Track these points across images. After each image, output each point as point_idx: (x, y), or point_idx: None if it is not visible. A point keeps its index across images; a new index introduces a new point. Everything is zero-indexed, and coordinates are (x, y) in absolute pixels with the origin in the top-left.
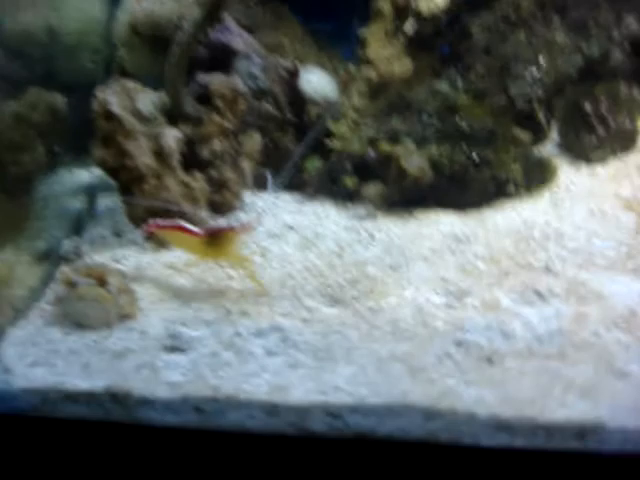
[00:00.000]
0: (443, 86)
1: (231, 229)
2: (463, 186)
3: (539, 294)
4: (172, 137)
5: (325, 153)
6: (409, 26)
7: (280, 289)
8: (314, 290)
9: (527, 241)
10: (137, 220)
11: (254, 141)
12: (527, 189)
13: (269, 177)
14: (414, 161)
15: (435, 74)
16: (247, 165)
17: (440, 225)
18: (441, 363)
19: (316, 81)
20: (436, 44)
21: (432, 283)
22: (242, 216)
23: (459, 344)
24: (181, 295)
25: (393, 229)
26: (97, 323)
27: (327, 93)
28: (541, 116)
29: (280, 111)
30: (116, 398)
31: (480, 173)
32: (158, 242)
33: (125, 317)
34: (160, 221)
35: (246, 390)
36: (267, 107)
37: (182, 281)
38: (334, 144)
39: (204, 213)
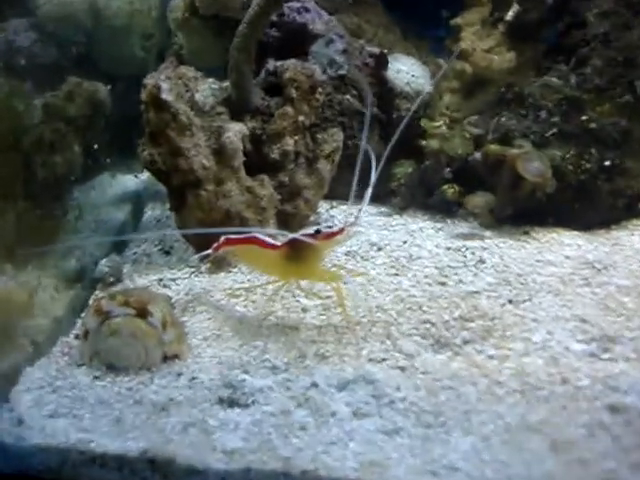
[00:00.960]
0: (554, 81)
1: (320, 238)
2: (590, 199)
3: None
4: (236, 133)
5: (418, 157)
6: (510, 13)
7: (369, 326)
8: (412, 328)
9: None
10: (191, 238)
11: (334, 140)
12: None
13: (354, 185)
14: (534, 166)
15: (539, 69)
16: (325, 169)
17: (565, 248)
18: (593, 436)
19: (407, 71)
20: (540, 34)
21: (568, 324)
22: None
23: (614, 410)
24: (243, 331)
25: (507, 251)
26: (134, 365)
27: (420, 85)
28: None
29: (365, 105)
30: (155, 465)
31: (611, 184)
32: (216, 263)
33: (171, 358)
34: (231, 236)
35: (327, 464)
36: (350, 100)
37: (245, 312)
38: (430, 145)
39: (272, 228)
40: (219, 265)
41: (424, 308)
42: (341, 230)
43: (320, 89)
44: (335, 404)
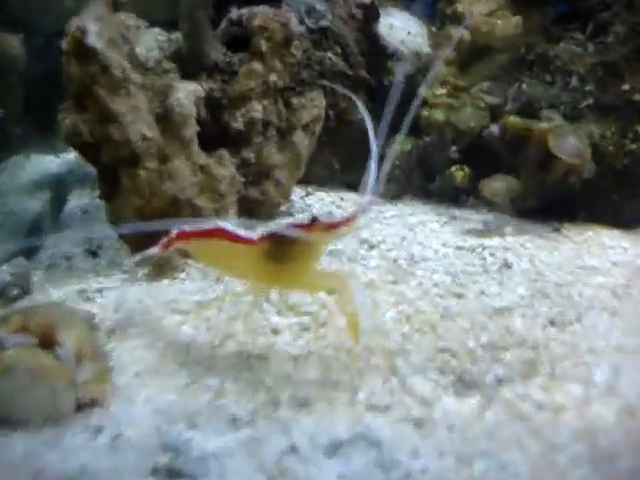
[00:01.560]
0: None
1: (317, 229)
2: (633, 189)
3: None
4: (188, 95)
5: (416, 132)
6: None
7: (367, 355)
8: (425, 360)
9: None
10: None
11: (314, 106)
12: None
13: (373, 173)
14: (569, 143)
15: (549, 37)
16: (302, 143)
17: (608, 251)
18: None
19: (402, 27)
20: None
21: (638, 356)
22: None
23: None
24: (191, 363)
25: (536, 253)
26: (34, 417)
27: (417, 45)
28: None
29: (350, 66)
30: None
31: None
32: (158, 267)
33: (88, 405)
34: (186, 228)
35: None
36: (332, 59)
37: (194, 336)
38: (433, 116)
39: (233, 219)
40: (161, 269)
41: (438, 330)
42: (350, 218)
43: (296, 42)
44: (323, 477)
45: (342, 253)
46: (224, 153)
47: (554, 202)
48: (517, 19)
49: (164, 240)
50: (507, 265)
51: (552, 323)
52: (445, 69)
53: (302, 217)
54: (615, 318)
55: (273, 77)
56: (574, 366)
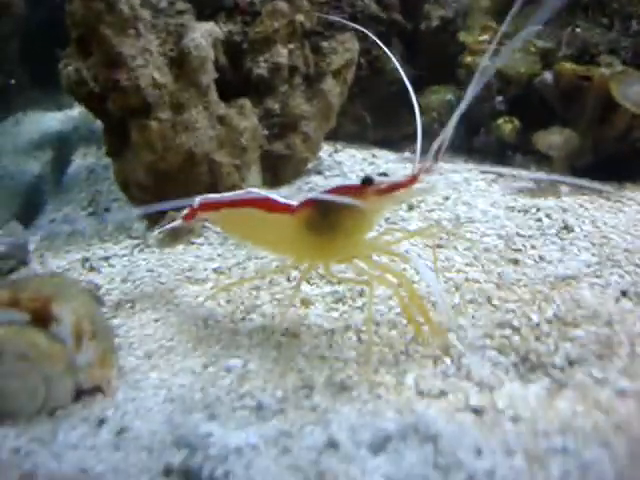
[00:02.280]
0: None
1: (370, 193)
2: None
3: None
4: (204, 36)
5: (458, 81)
6: None
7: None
8: (483, 336)
9: None
10: (137, 194)
11: (346, 50)
12: None
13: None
14: (635, 90)
15: None
16: (333, 91)
17: None
18: None
19: None
20: None
21: None
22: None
23: None
24: (209, 340)
25: (598, 215)
26: (27, 408)
27: None
28: None
29: (384, 8)
30: None
31: None
32: (172, 233)
33: (89, 393)
34: (211, 197)
35: None
36: (365, 1)
37: (213, 309)
38: (474, 62)
39: (254, 175)
40: (176, 234)
41: (495, 301)
42: (410, 180)
43: None
44: None
45: None
46: (246, 102)
47: (614, 159)
48: None
49: (188, 210)
50: (567, 228)
51: (625, 294)
52: (483, 15)
53: (349, 180)
54: None
55: (300, 17)
56: None
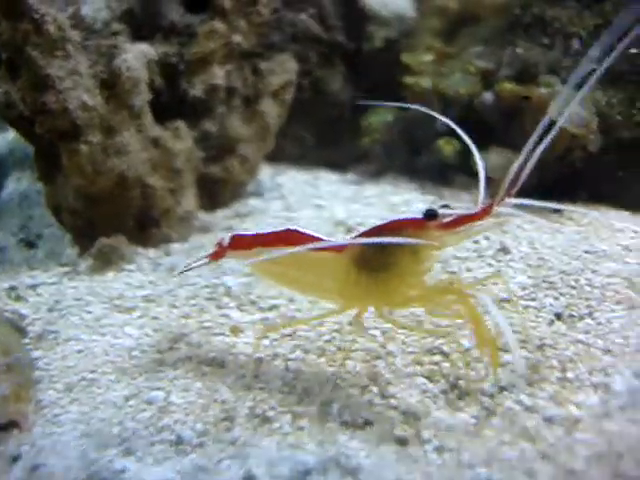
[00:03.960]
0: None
1: (433, 228)
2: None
3: None
4: (137, 57)
5: (399, 101)
6: None
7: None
8: (412, 364)
9: None
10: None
11: (285, 71)
12: None
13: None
14: (573, 112)
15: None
16: (271, 112)
17: (617, 234)
18: None
19: None
20: None
21: None
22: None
23: None
24: (134, 371)
25: (537, 236)
26: None
27: (400, 7)
28: None
29: (326, 29)
30: None
31: None
32: (102, 257)
33: (5, 428)
34: (244, 233)
35: None
36: (306, 21)
37: (140, 337)
38: (419, 84)
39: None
40: (107, 260)
41: (426, 326)
42: (484, 211)
43: (264, 0)
44: None
45: None
46: (181, 125)
47: (555, 180)
48: None
49: (217, 248)
50: (504, 249)
51: (559, 317)
52: (431, 36)
53: (411, 212)
54: (633, 312)
55: (237, 38)
56: (590, 372)
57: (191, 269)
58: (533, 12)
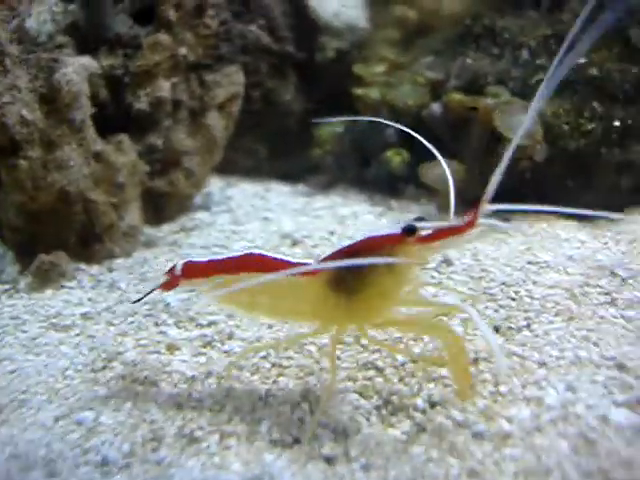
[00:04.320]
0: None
1: (412, 242)
2: (589, 175)
3: None
4: (77, 70)
5: (351, 113)
6: None
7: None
8: (346, 379)
9: None
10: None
11: (231, 83)
12: None
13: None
14: (518, 122)
15: (502, 16)
16: (217, 125)
17: (563, 244)
18: None
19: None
20: None
21: (598, 374)
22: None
23: None
24: (66, 391)
25: (481, 247)
26: None
27: (352, 18)
28: None
29: (276, 40)
30: None
31: (623, 152)
32: (41, 275)
33: None
34: (197, 259)
35: None
36: (255, 32)
37: (74, 356)
38: (368, 95)
39: (134, 213)
40: (46, 278)
41: (363, 341)
42: (468, 224)
43: (211, 12)
44: None
45: (259, 249)
46: (124, 138)
47: (503, 190)
48: None
49: (170, 274)
50: (447, 261)
51: (497, 330)
52: (385, 47)
53: (389, 226)
54: (571, 324)
55: (183, 50)
56: (523, 385)
57: (142, 299)
58: (484, 23)
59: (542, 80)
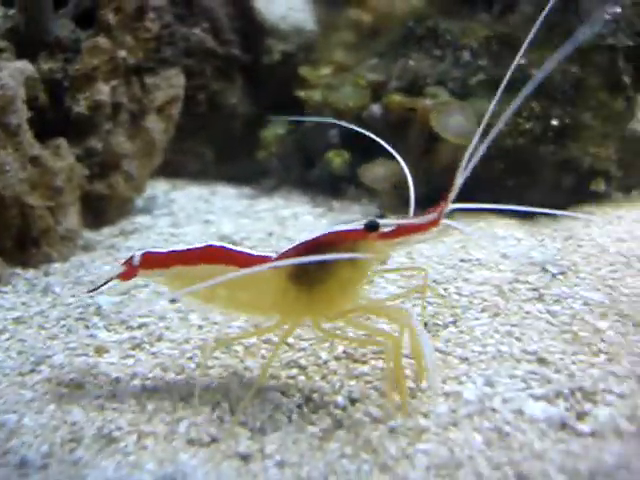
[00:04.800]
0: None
1: (372, 238)
2: (530, 173)
3: None
4: (13, 74)
5: (298, 114)
6: None
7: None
8: (267, 378)
9: None
10: None
11: (170, 86)
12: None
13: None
14: (455, 122)
15: (452, 14)
16: (156, 128)
17: (498, 242)
18: None
19: (283, 2)
20: None
21: (518, 368)
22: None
23: None
24: None
25: (418, 246)
26: None
27: (300, 21)
28: (626, 78)
29: (221, 43)
30: None
31: (561, 151)
32: None
33: None
34: (156, 250)
35: None
36: (200, 35)
37: (3, 360)
38: (310, 97)
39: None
40: None
41: (290, 340)
42: (432, 222)
43: (152, 15)
44: None
45: None
46: (62, 142)
47: (444, 189)
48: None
49: (127, 265)
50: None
51: (425, 326)
52: (335, 50)
53: (352, 222)
54: (496, 320)
55: (122, 53)
56: (443, 379)
57: (98, 288)
58: (427, 25)
59: (483, 80)
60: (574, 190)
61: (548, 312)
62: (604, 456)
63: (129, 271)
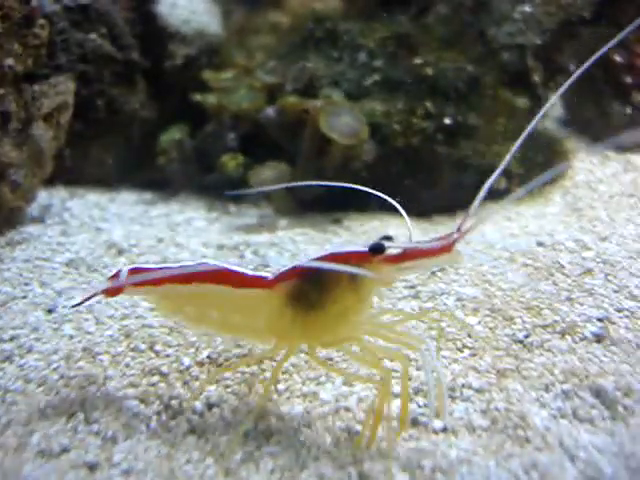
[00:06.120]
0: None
1: (377, 262)
2: (427, 172)
3: None
4: None
5: (200, 120)
6: None
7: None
8: (129, 386)
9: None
10: None
11: (58, 93)
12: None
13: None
14: (343, 122)
15: (370, 18)
16: (44, 136)
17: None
18: None
19: (185, 6)
20: None
21: None
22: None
23: None
24: None
25: (305, 247)
26: None
27: (203, 24)
28: (537, 76)
29: (121, 48)
30: None
31: (454, 150)
32: None
33: None
34: (147, 267)
35: None
36: (96, 40)
37: None
38: (206, 100)
39: None
40: None
41: (158, 347)
42: (445, 247)
43: (42, 21)
44: None
45: (81, 261)
46: None
47: (341, 190)
48: (335, 2)
49: (112, 283)
50: (264, 264)
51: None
52: (239, 52)
53: (356, 242)
54: None
55: (9, 61)
56: (302, 381)
57: (81, 304)
58: (326, 26)
59: (377, 81)
60: (475, 188)
61: (420, 309)
62: (450, 452)
63: (115, 288)
